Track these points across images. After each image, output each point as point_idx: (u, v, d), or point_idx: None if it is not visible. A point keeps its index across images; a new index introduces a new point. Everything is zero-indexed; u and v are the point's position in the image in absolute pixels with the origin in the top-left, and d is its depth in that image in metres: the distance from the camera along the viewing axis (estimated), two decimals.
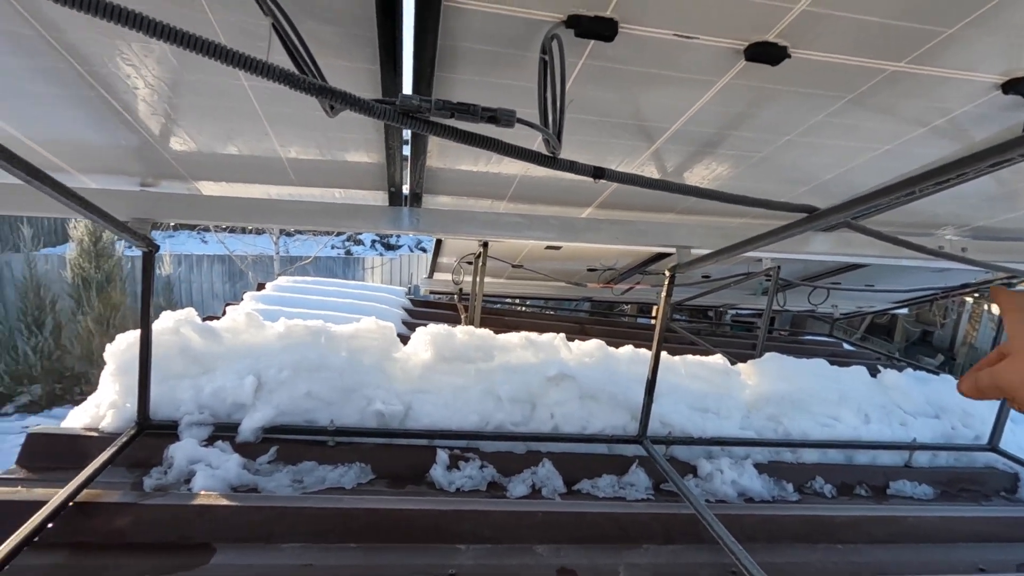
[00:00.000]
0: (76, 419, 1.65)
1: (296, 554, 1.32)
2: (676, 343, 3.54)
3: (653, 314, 6.26)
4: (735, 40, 0.87)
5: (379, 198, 1.55)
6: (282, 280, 3.62)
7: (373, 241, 17.05)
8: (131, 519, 1.31)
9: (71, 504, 1.27)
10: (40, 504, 1.23)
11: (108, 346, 1.75)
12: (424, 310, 3.81)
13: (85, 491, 1.31)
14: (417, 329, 2.10)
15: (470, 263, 3.34)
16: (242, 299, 3.19)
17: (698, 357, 2.32)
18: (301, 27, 0.76)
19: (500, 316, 3.92)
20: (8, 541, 1.08)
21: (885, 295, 4.08)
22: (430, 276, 4.17)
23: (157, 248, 1.52)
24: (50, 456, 1.53)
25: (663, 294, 1.81)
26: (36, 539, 1.14)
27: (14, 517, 1.18)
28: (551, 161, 0.83)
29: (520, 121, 0.71)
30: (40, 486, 1.37)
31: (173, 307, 9.41)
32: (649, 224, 1.75)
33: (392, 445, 1.75)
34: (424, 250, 15.00)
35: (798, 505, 1.80)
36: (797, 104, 1.07)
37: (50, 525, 1.19)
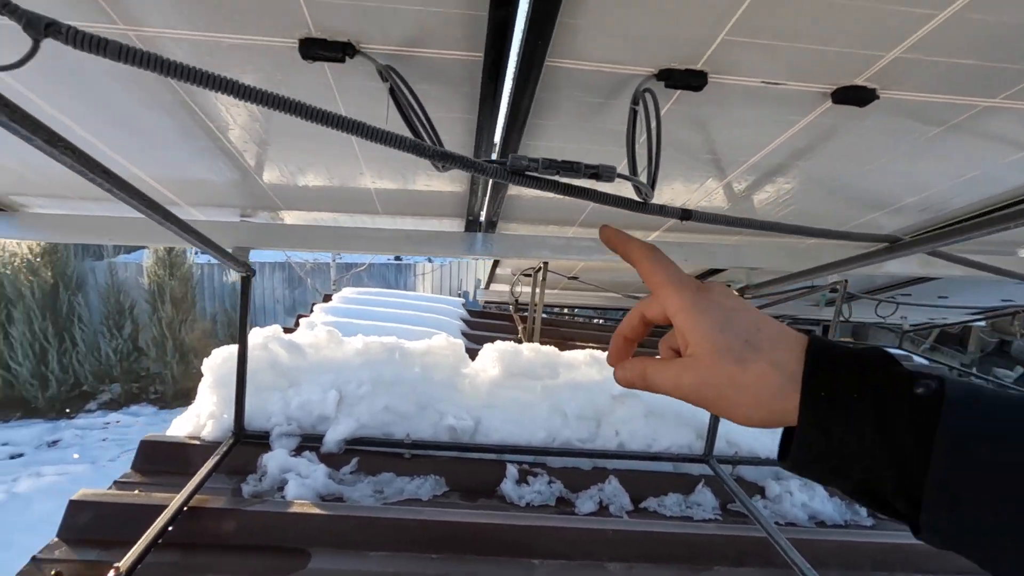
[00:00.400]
0: (180, 427, 1.81)
1: (382, 562, 1.40)
2: None
3: None
4: (822, 84, 0.89)
5: (456, 225, 1.63)
6: (347, 291, 3.79)
7: None
8: (236, 523, 1.43)
9: (185, 509, 1.40)
10: (157, 508, 1.36)
11: (205, 360, 1.90)
12: (481, 321, 3.90)
13: (195, 496, 1.44)
14: (484, 345, 2.17)
15: (528, 275, 3.41)
16: (311, 310, 3.36)
17: None
18: (415, 88, 0.84)
19: (556, 327, 3.96)
20: (140, 542, 1.21)
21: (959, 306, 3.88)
22: (487, 287, 4.26)
23: (254, 273, 1.65)
24: (159, 461, 1.69)
25: None
26: (160, 540, 1.27)
27: (137, 519, 1.32)
28: (642, 206, 0.87)
29: (620, 176, 0.76)
30: (155, 490, 1.52)
31: (235, 312, 9.79)
32: (717, 246, 1.76)
33: (463, 459, 1.83)
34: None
35: (875, 531, 1.76)
36: (882, 138, 1.07)
37: (170, 528, 1.32)
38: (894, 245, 1.17)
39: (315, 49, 0.79)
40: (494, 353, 2.08)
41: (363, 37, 0.79)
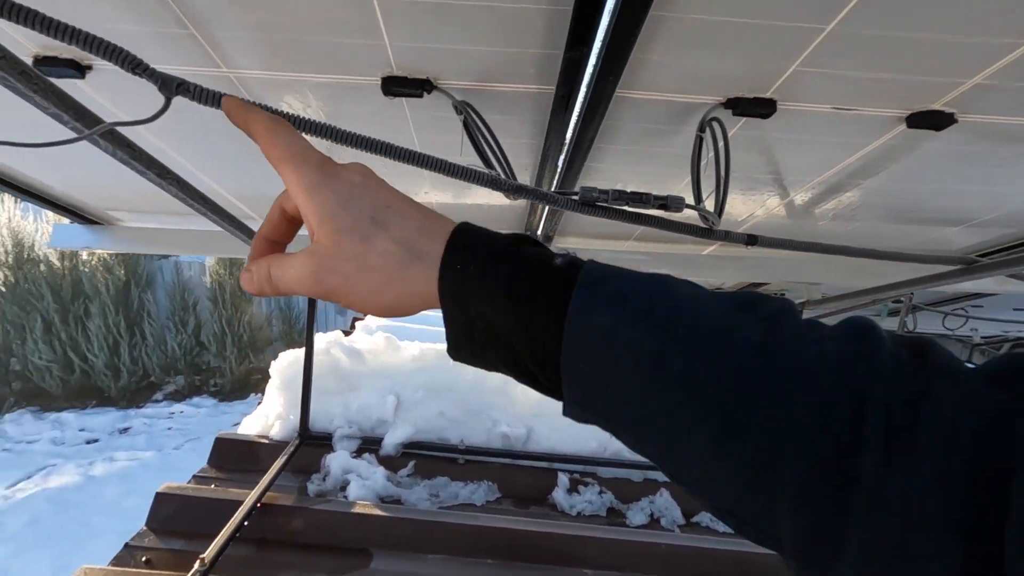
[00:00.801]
0: (250, 426, 1.92)
1: (440, 565, 1.46)
2: None
3: None
4: (897, 110, 0.88)
5: None
6: None
7: None
8: (303, 521, 1.51)
9: (259, 505, 1.49)
10: (233, 503, 1.46)
11: (272, 363, 2.01)
12: None
13: (266, 493, 1.54)
14: None
15: None
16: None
17: None
18: (487, 119, 0.88)
19: None
20: (220, 535, 1.30)
21: None
22: None
23: None
24: (232, 458, 1.80)
25: None
26: (238, 535, 1.36)
27: (215, 512, 1.42)
28: (707, 232, 0.88)
29: (687, 206, 0.78)
30: (231, 486, 1.62)
31: (290, 310, 10.15)
32: (774, 260, 1.73)
33: (515, 466, 1.87)
34: None
35: None
36: (960, 157, 1.04)
37: (246, 523, 1.41)
38: (970, 267, 1.13)
39: (395, 86, 0.84)
40: None
41: (441, 74, 0.84)
